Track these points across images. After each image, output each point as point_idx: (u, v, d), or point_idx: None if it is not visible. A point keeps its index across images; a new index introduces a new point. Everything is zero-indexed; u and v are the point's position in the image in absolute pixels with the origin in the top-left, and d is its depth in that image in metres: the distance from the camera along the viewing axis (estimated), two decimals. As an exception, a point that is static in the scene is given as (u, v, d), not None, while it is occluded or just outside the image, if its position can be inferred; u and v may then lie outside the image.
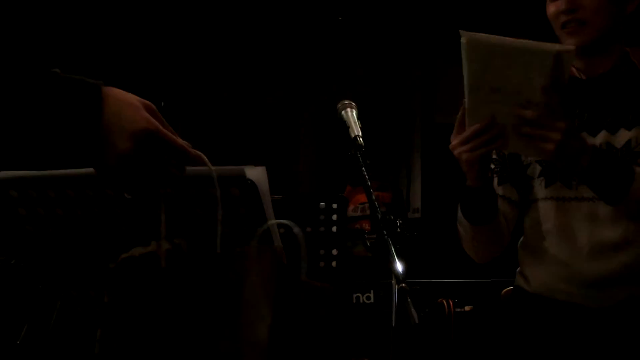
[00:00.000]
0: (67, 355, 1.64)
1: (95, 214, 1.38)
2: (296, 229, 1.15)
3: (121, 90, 1.08)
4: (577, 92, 1.87)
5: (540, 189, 1.94)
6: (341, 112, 1.86)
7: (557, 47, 1.59)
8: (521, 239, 2.10)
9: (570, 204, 1.88)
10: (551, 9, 1.88)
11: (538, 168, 1.94)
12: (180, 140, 1.11)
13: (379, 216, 1.57)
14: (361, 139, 1.76)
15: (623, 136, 1.84)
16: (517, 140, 1.68)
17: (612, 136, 1.85)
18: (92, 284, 1.50)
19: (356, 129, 1.78)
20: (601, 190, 1.73)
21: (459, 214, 1.92)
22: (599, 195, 1.77)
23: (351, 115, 1.85)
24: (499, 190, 2.04)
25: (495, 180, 2.06)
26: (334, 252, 2.12)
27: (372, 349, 2.31)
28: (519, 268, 2.08)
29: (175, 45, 5.54)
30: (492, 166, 2.05)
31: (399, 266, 1.46)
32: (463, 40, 1.60)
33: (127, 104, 1.06)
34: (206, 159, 1.14)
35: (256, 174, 1.16)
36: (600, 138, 1.86)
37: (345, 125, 1.83)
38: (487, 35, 1.62)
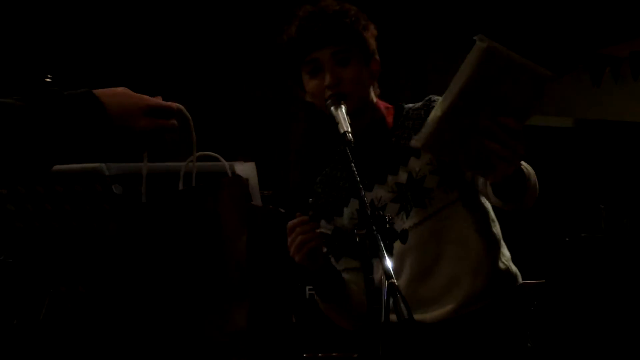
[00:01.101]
0: (56, 350, 1.64)
1: (84, 210, 1.38)
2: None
3: (105, 89, 1.26)
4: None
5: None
6: (330, 107, 1.85)
7: (549, 72, 1.62)
8: None
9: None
10: (313, 85, 1.94)
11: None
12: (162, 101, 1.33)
13: (368, 212, 1.58)
14: (350, 134, 1.76)
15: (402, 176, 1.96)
16: (473, 153, 1.68)
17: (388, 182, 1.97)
18: (81, 280, 1.50)
19: (345, 125, 1.77)
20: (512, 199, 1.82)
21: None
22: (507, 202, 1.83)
23: (340, 110, 1.84)
24: (340, 266, 2.08)
25: (332, 258, 2.09)
26: (324, 248, 2.13)
27: (360, 344, 2.32)
28: None
29: (163, 41, 5.53)
30: (325, 249, 2.09)
31: (388, 262, 1.46)
32: (482, 45, 1.58)
33: (119, 94, 1.25)
34: (184, 110, 1.35)
35: (245, 169, 1.16)
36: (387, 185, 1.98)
37: (334, 121, 1.83)
38: (501, 46, 1.62)
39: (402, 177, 1.96)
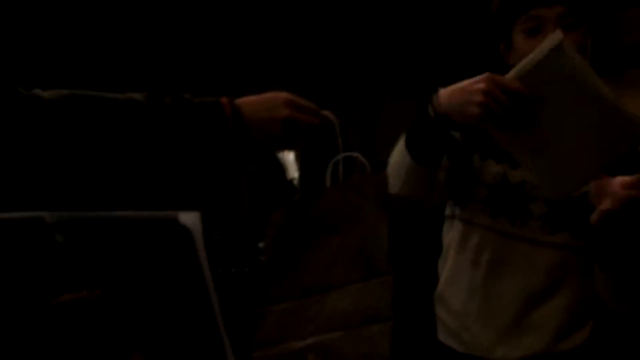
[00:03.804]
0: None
1: (26, 258, 1.35)
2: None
3: (250, 97, 1.36)
4: None
5: (480, 215, 1.88)
6: (277, 153, 1.84)
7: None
8: (443, 256, 2.01)
9: (512, 242, 1.83)
10: (529, 46, 1.73)
11: (484, 192, 1.88)
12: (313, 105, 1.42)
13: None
14: (296, 181, 1.75)
15: None
16: None
17: None
18: (22, 330, 1.47)
19: (292, 172, 1.76)
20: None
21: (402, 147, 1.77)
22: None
23: (287, 157, 1.83)
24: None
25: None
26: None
27: None
28: (438, 289, 1.99)
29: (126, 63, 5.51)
30: None
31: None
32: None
33: (259, 101, 1.35)
34: (332, 116, 1.43)
35: (190, 219, 1.15)
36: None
37: (281, 168, 1.81)
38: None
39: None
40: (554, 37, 1.51)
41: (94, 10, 5.18)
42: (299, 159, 1.56)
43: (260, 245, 2.29)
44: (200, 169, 1.27)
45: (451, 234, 1.96)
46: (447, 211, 1.98)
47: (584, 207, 1.76)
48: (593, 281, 1.79)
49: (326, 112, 1.41)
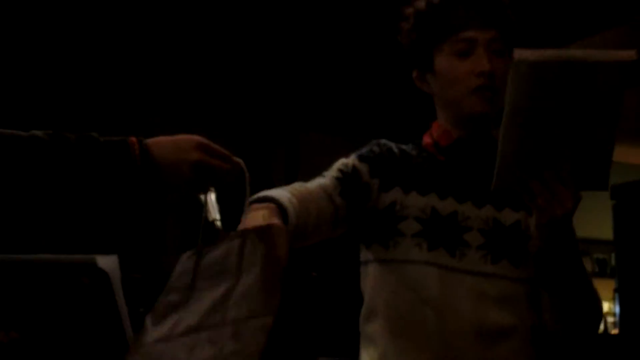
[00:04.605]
0: None
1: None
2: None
3: (161, 137, 1.34)
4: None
5: (416, 250, 1.72)
6: (199, 194, 1.82)
7: (626, 54, 1.40)
8: (367, 307, 1.81)
9: (453, 274, 1.71)
10: (460, 68, 1.67)
11: (416, 226, 1.74)
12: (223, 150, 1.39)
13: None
14: (219, 222, 1.74)
15: (510, 216, 1.74)
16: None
17: (498, 213, 1.73)
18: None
19: (213, 213, 1.75)
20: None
21: None
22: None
23: (209, 197, 1.80)
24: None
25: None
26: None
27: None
28: (380, 350, 1.76)
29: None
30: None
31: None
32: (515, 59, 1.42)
33: (170, 143, 1.33)
34: (243, 164, 1.40)
35: (108, 262, 1.16)
36: (486, 211, 1.74)
37: (204, 208, 1.79)
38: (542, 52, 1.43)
39: (506, 217, 1.74)
40: (628, 53, 1.41)
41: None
42: (218, 201, 1.55)
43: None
44: (112, 208, 1.25)
45: (372, 279, 1.81)
46: (362, 257, 1.85)
47: (517, 235, 1.73)
48: (541, 313, 1.75)
49: (238, 160, 1.39)
